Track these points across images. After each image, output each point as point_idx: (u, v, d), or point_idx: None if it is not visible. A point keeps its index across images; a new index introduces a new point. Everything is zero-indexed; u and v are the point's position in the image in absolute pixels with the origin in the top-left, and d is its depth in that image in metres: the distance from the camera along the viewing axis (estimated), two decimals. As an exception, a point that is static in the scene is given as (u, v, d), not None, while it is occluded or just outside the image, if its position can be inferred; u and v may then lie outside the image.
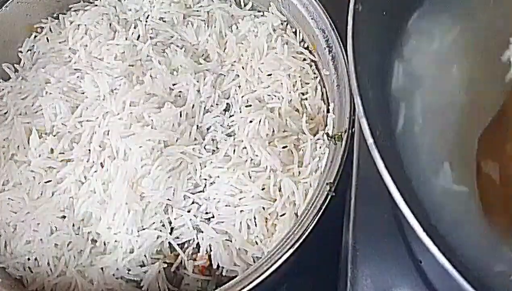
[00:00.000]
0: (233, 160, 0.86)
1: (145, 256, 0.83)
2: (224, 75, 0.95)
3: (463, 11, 0.69)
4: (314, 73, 0.94)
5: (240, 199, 0.83)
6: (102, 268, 0.84)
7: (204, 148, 0.88)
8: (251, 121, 0.87)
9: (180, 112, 0.89)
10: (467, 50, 0.66)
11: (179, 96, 0.93)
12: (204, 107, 0.92)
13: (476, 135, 0.60)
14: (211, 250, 0.83)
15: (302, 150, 0.86)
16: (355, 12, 0.59)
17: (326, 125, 0.88)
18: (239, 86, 0.93)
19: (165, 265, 0.84)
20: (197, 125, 0.90)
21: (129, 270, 0.83)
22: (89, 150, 0.89)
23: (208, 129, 0.91)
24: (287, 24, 0.99)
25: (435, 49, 0.68)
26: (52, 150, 0.90)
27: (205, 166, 0.87)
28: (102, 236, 0.85)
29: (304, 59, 0.95)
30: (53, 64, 0.98)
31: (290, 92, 0.91)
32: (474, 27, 0.68)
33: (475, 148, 0.59)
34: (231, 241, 0.82)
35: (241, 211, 0.82)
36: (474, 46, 0.66)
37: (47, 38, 1.02)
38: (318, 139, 0.86)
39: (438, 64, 0.66)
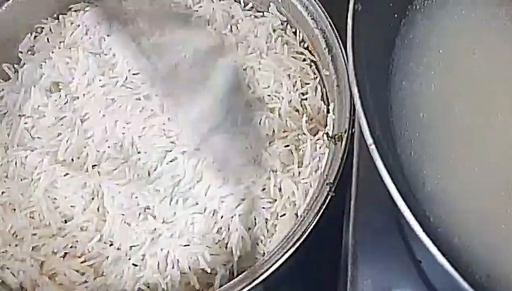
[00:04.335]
0: (233, 160, 0.86)
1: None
2: (224, 75, 0.95)
3: (463, 10, 0.69)
4: (314, 73, 0.94)
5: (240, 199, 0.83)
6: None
7: (205, 147, 0.88)
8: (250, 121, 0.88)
9: (180, 112, 0.89)
10: (468, 49, 0.67)
11: (179, 96, 0.93)
12: (205, 107, 0.92)
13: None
14: (211, 250, 0.83)
15: (302, 150, 0.86)
16: (355, 12, 0.59)
17: (326, 125, 0.88)
18: (239, 86, 0.93)
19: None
20: (198, 125, 0.90)
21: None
22: (89, 150, 0.89)
23: (208, 129, 0.91)
24: (287, 24, 0.98)
25: (436, 48, 0.68)
26: (52, 150, 0.90)
27: (205, 166, 0.87)
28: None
29: (304, 60, 0.95)
30: (53, 65, 0.98)
31: (290, 92, 0.90)
32: (475, 28, 0.68)
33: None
34: (231, 241, 0.82)
35: (241, 211, 0.82)
36: (476, 45, 0.67)
37: (47, 38, 1.02)
38: (318, 139, 0.86)
39: (439, 63, 0.67)
